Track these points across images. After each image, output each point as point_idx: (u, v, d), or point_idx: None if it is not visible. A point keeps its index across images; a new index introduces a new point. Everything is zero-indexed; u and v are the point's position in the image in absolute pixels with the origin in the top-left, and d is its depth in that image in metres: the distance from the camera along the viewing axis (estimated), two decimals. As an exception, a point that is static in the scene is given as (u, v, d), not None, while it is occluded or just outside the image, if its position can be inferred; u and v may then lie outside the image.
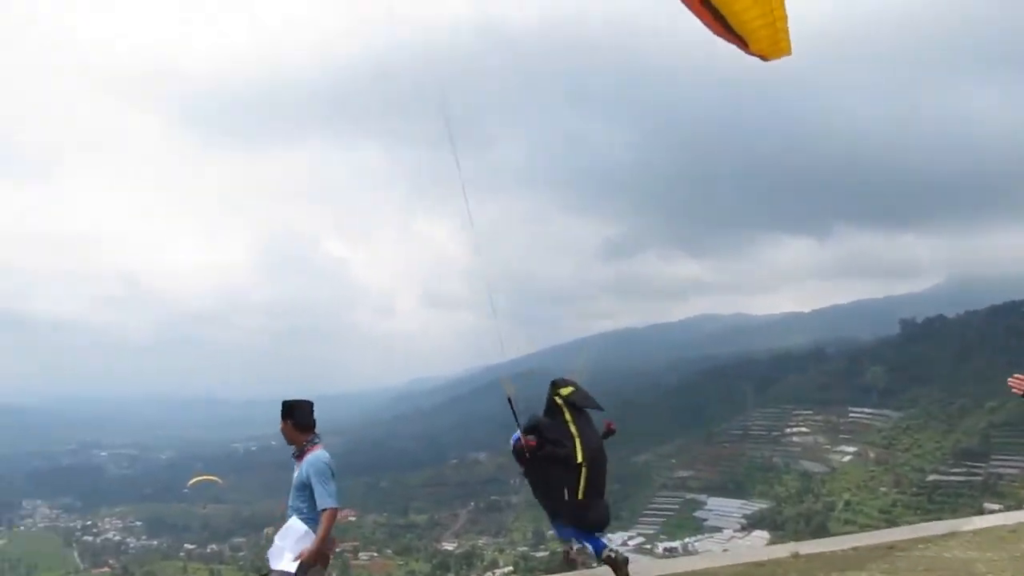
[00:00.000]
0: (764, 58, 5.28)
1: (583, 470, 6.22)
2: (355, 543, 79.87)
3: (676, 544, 74.32)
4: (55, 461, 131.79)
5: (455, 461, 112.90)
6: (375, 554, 78.80)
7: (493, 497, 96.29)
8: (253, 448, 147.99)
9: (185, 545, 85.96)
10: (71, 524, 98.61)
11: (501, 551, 79.04)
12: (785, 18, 4.95)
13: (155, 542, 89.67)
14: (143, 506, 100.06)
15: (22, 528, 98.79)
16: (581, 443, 6.23)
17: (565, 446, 6.23)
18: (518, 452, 6.50)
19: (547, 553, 75.54)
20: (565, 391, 6.48)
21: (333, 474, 5.32)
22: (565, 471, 6.25)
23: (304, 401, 5.57)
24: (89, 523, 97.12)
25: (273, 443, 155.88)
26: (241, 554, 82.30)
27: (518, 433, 6.58)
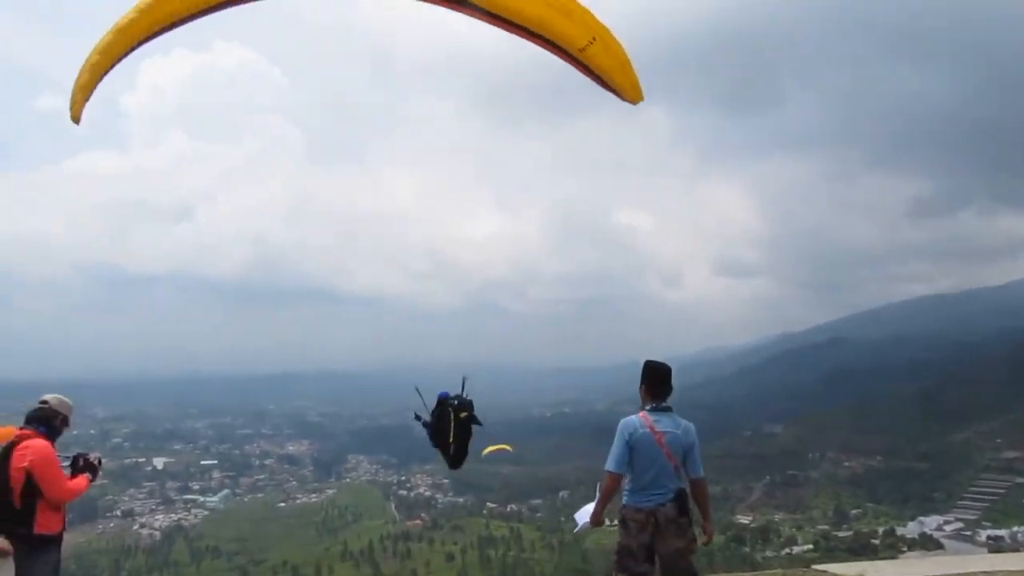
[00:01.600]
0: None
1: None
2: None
3: (1003, 532, 65.99)
4: (375, 421, 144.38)
5: (748, 433, 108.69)
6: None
7: (790, 472, 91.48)
8: (548, 415, 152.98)
9: (487, 503, 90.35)
10: (388, 479, 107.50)
11: (799, 528, 74.75)
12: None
13: (461, 499, 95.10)
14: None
15: (348, 480, 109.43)
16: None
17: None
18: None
19: (850, 533, 70.44)
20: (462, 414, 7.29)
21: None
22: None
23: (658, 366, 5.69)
24: (403, 479, 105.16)
25: (566, 410, 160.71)
26: (538, 515, 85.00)
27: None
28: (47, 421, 5.97)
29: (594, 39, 4.72)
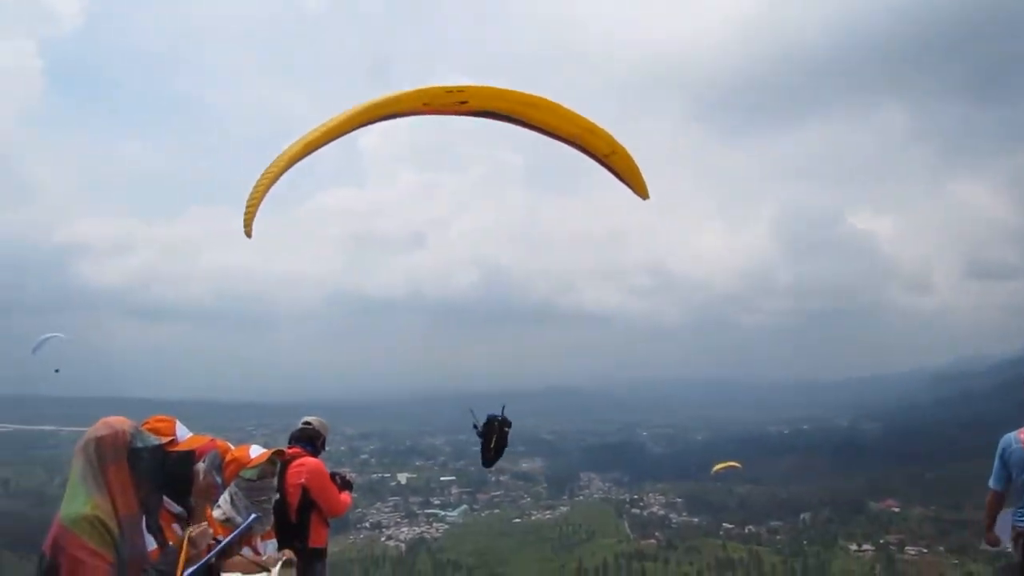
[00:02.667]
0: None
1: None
2: (900, 536, 73.78)
3: None
4: (604, 439, 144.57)
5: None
6: (924, 550, 71.70)
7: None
8: (785, 432, 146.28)
9: (723, 524, 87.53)
10: (620, 497, 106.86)
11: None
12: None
13: (695, 519, 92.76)
14: (682, 484, 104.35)
15: (580, 498, 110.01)
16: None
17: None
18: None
19: None
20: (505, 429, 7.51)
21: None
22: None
23: None
24: (636, 497, 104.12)
25: (804, 427, 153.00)
26: (778, 537, 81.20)
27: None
28: (311, 441, 6.26)
29: (614, 151, 6.05)
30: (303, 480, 5.91)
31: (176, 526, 3.47)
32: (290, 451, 6.02)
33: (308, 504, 5.95)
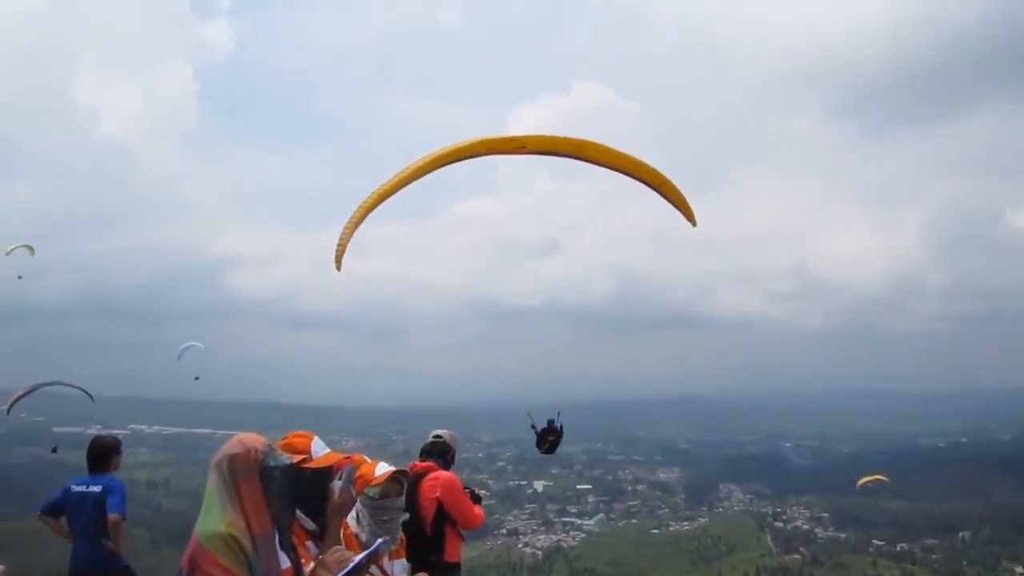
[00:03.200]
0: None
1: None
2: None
3: None
4: (744, 449, 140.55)
5: None
6: None
7: None
8: (940, 444, 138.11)
9: (873, 540, 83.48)
10: (762, 510, 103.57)
11: None
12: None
13: (842, 535, 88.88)
14: (827, 497, 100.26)
15: (720, 509, 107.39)
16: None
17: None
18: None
19: None
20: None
21: None
22: None
23: None
24: (778, 510, 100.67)
25: (963, 440, 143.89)
26: (934, 556, 76.74)
27: None
28: (442, 454, 6.39)
29: (663, 182, 6.73)
30: (438, 494, 5.99)
31: (311, 543, 3.54)
32: (422, 465, 6.14)
33: (443, 517, 6.01)
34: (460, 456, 6.83)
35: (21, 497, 65.15)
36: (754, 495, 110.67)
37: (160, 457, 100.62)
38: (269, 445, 3.12)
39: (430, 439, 6.54)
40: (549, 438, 7.85)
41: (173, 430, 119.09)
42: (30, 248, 16.42)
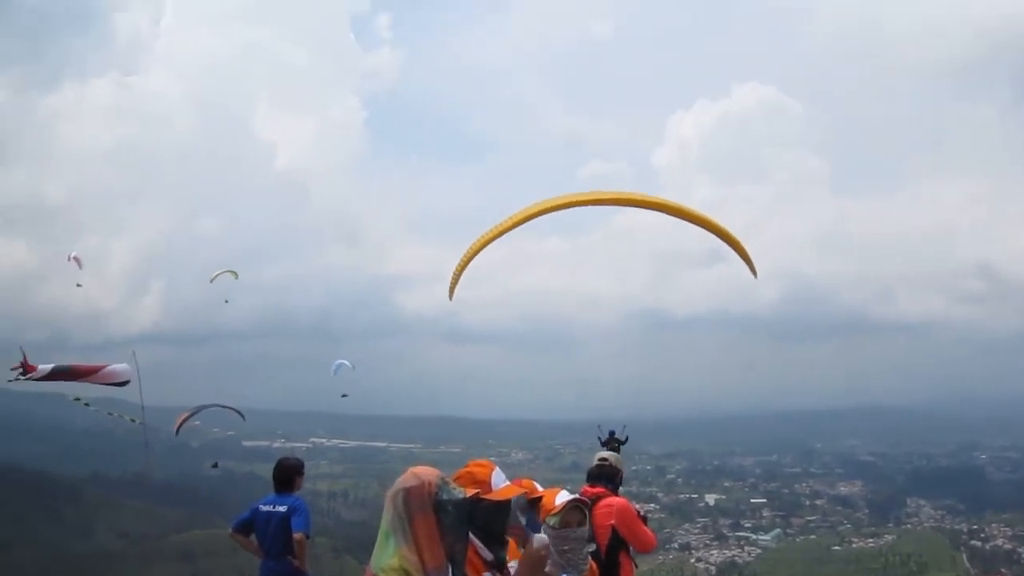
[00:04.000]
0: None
1: None
2: None
3: None
4: (933, 462, 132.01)
5: None
6: None
7: None
8: None
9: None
10: (956, 527, 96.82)
11: None
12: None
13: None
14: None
15: (908, 526, 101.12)
16: None
17: None
18: None
19: None
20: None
21: None
22: None
23: None
24: (975, 527, 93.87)
25: None
26: None
27: None
28: (611, 478, 6.31)
29: (727, 236, 7.30)
30: (612, 521, 5.95)
31: (488, 575, 3.54)
32: (593, 491, 6.08)
33: (617, 544, 5.97)
34: (629, 469, 6.74)
35: (215, 507, 70.26)
36: (946, 511, 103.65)
37: (339, 469, 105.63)
38: (443, 478, 3.13)
39: (596, 462, 6.47)
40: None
41: (351, 443, 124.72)
42: (234, 273, 17.50)
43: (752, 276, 7.60)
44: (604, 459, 6.48)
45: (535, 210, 6.60)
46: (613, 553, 5.91)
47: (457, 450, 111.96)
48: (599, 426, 7.72)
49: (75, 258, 17.04)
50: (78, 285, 18.81)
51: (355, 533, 63.36)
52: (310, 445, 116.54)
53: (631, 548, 6.07)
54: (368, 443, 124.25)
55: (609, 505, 5.99)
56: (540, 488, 4.37)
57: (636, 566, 6.22)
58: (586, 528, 4.37)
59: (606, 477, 6.31)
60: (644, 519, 6.45)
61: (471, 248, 6.59)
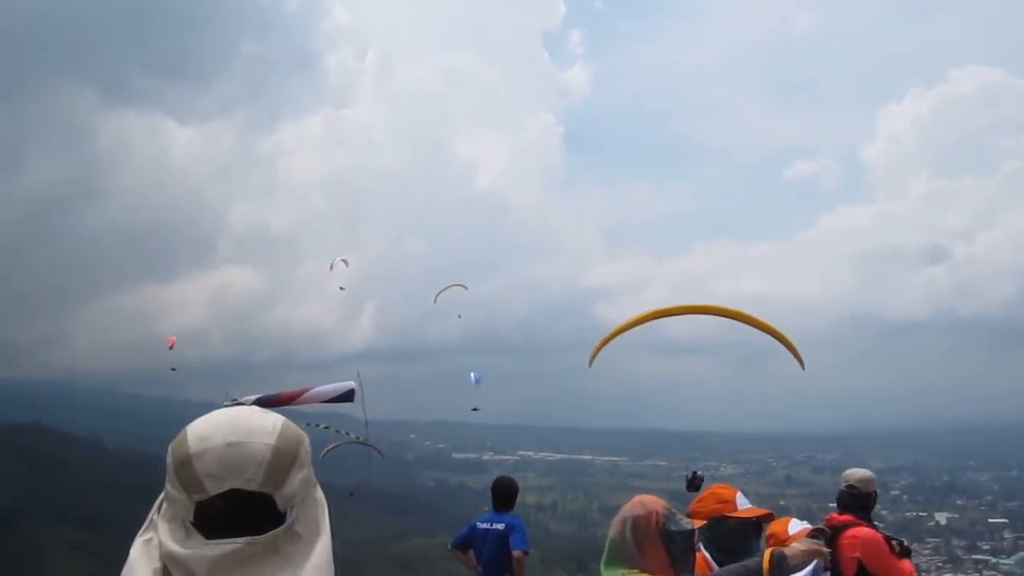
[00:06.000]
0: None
1: None
2: None
3: None
4: None
5: None
6: None
7: None
8: None
9: None
10: None
11: None
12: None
13: None
14: None
15: None
16: None
17: None
18: None
19: None
20: None
21: None
22: None
23: None
24: None
25: None
26: None
27: None
28: (862, 505, 5.94)
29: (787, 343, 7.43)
30: (857, 554, 5.63)
31: None
32: (840, 518, 5.76)
33: (864, 574, 5.65)
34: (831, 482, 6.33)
35: (430, 517, 73.18)
36: None
37: (546, 481, 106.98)
38: (669, 508, 3.19)
39: (844, 486, 6.03)
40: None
41: (557, 456, 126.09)
42: (463, 286, 17.85)
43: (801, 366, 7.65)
44: (853, 486, 6.04)
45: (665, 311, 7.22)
46: None
47: (664, 463, 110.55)
48: (692, 471, 7.35)
49: (342, 261, 18.03)
50: (341, 288, 20.02)
51: (563, 546, 63.97)
52: (518, 458, 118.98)
53: None
54: (574, 456, 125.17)
55: (855, 536, 5.62)
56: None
57: None
58: (826, 559, 4.18)
59: (857, 504, 5.94)
60: (907, 550, 6.02)
61: (614, 329, 7.19)
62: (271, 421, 1.52)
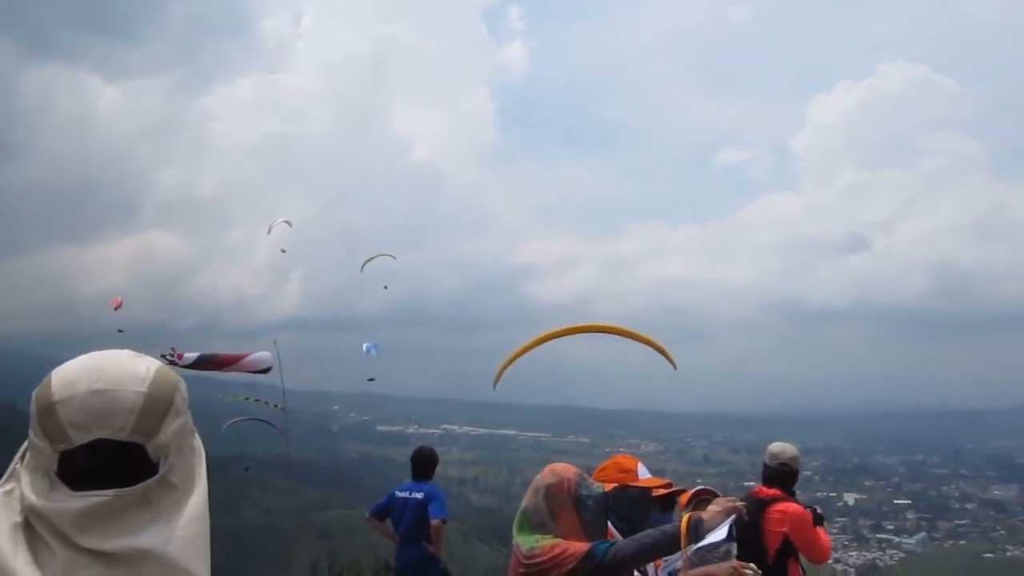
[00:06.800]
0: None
1: None
2: None
3: None
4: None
5: None
6: None
7: None
8: None
9: None
10: None
11: None
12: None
13: None
14: None
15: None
16: None
17: None
18: None
19: None
20: None
21: None
22: None
23: None
24: None
25: None
26: None
27: None
28: (789, 480, 6.03)
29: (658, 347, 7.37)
30: (785, 529, 5.69)
31: None
32: (769, 492, 5.81)
33: (787, 551, 5.71)
34: (760, 464, 6.41)
35: (352, 488, 72.77)
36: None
37: (469, 456, 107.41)
38: (581, 474, 3.22)
39: (775, 463, 6.03)
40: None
41: (482, 430, 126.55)
42: (391, 256, 17.41)
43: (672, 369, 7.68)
44: (784, 463, 6.06)
45: (557, 332, 7.31)
46: (782, 560, 5.68)
47: (586, 440, 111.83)
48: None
49: (285, 222, 17.50)
50: (283, 251, 19.57)
51: (485, 519, 64.23)
52: (442, 431, 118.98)
53: (800, 555, 5.82)
54: (498, 431, 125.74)
55: (783, 511, 5.68)
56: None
57: (804, 572, 5.95)
58: (732, 547, 4.21)
59: (784, 480, 6.01)
60: (820, 518, 6.16)
61: (514, 353, 7.35)
62: (144, 366, 1.41)
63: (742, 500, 4.03)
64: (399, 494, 7.92)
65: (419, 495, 7.77)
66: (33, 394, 1.38)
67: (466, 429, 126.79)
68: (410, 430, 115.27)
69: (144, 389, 1.37)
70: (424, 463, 8.03)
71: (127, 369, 1.39)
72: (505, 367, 7.34)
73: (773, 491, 5.79)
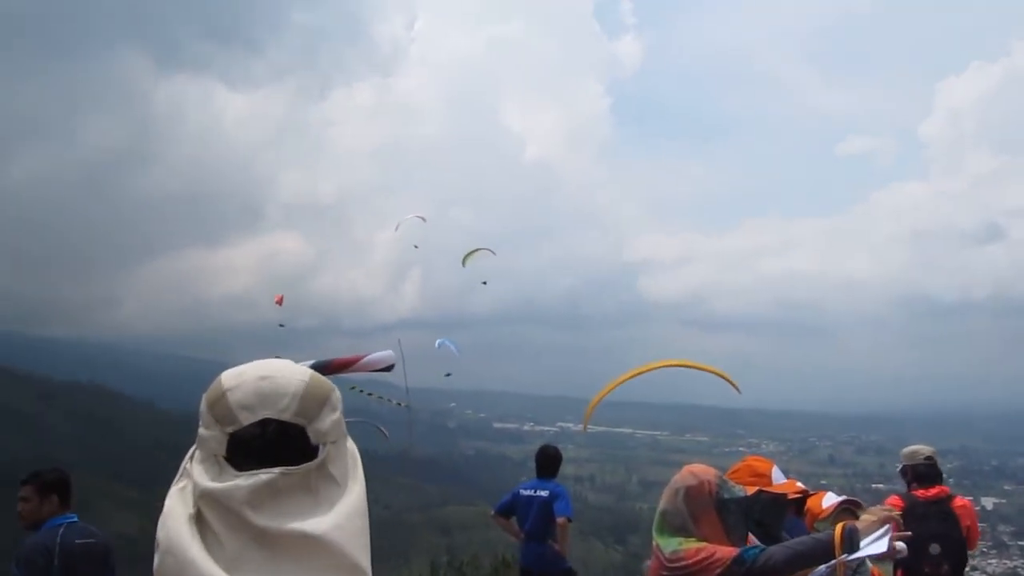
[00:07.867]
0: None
1: None
2: None
3: None
4: None
5: None
6: None
7: None
8: None
9: None
10: None
11: None
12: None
13: None
14: None
15: None
16: None
17: None
18: None
19: None
20: None
21: None
22: None
23: None
24: None
25: None
26: None
27: None
28: (937, 478, 6.00)
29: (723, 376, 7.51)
30: (968, 523, 5.71)
31: None
32: (934, 491, 5.76)
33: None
34: (894, 467, 6.29)
35: (469, 485, 73.79)
36: None
37: (585, 453, 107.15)
38: (721, 476, 3.16)
39: (921, 459, 5.94)
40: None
41: (598, 428, 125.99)
42: (491, 251, 17.50)
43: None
44: (929, 455, 5.99)
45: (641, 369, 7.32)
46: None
47: (705, 439, 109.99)
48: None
49: (419, 217, 17.98)
50: (415, 247, 20.07)
51: (601, 517, 64.15)
52: (558, 429, 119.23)
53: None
54: (615, 429, 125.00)
55: (964, 506, 5.77)
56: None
57: None
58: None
59: (936, 476, 5.93)
60: None
61: (598, 395, 7.49)
62: (303, 368, 1.54)
63: (910, 502, 3.91)
64: (524, 492, 7.94)
65: (544, 493, 7.78)
66: (203, 396, 1.48)
67: (581, 426, 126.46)
68: (526, 427, 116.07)
69: (305, 379, 1.49)
70: (549, 461, 8.06)
71: (289, 367, 1.51)
72: (592, 408, 7.61)
73: (938, 488, 5.79)
